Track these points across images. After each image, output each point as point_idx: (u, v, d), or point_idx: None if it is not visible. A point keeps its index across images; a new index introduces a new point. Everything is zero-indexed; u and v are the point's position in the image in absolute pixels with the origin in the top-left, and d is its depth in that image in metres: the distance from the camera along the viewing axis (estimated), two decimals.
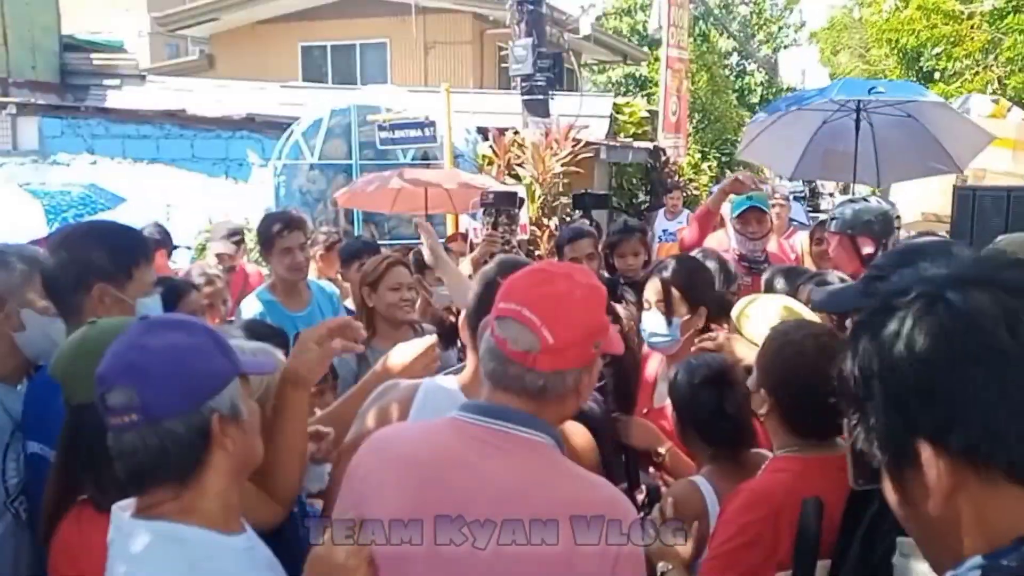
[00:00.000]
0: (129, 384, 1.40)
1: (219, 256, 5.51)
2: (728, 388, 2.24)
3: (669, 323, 2.71)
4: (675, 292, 2.72)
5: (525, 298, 1.48)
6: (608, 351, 1.61)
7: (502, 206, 5.59)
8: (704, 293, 2.81)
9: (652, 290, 2.78)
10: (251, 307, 4.07)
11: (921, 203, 7.73)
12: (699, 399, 2.26)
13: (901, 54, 21.56)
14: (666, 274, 2.77)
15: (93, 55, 13.95)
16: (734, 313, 2.76)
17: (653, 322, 2.75)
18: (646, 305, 2.79)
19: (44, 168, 10.09)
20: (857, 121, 5.48)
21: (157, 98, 11.91)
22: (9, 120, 10.48)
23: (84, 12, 20.18)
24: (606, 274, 4.26)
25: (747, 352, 2.47)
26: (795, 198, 11.61)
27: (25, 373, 2.33)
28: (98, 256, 2.20)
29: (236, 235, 5.80)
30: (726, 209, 4.86)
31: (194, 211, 9.31)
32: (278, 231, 4.00)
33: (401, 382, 2.15)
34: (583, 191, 10.18)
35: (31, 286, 2.29)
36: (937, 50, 17.89)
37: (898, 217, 3.98)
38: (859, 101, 5.44)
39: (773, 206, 5.63)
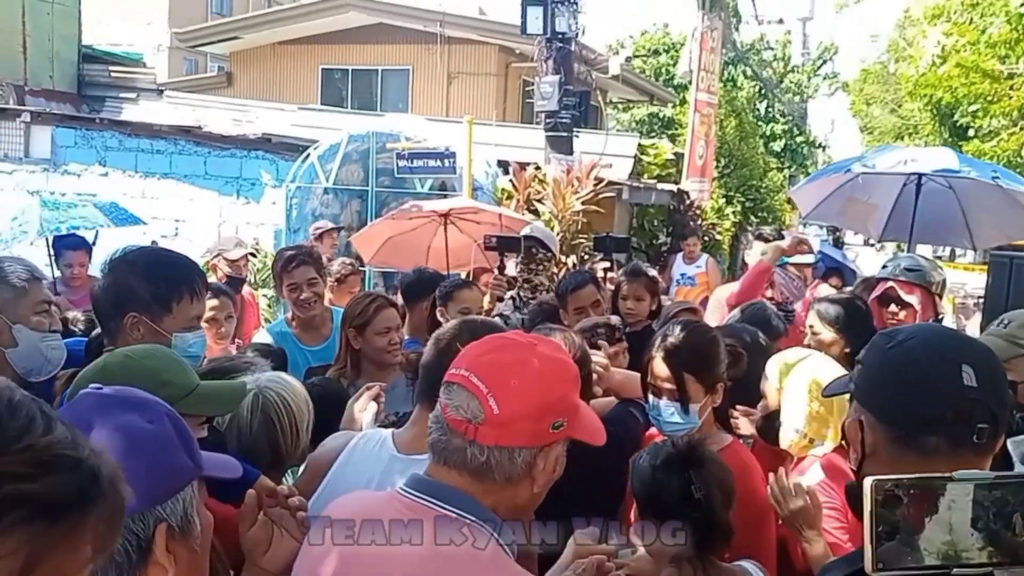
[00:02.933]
0: None
1: (232, 263, 5.57)
2: (697, 468, 1.97)
3: (686, 411, 2.43)
4: (688, 377, 2.43)
5: (475, 363, 1.40)
6: (577, 437, 1.46)
7: (506, 249, 5.65)
8: (719, 368, 2.52)
9: (662, 374, 2.46)
10: (264, 339, 4.06)
11: None
12: (661, 483, 1.98)
13: (935, 109, 21.71)
14: (676, 356, 2.45)
15: (111, 67, 14.26)
16: (775, 372, 2.67)
17: (667, 411, 2.45)
18: (654, 389, 2.49)
19: (55, 177, 10.25)
20: (919, 185, 5.41)
21: (173, 113, 12.12)
22: (22, 128, 10.67)
23: (105, 24, 20.62)
24: (615, 319, 4.01)
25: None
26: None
27: None
28: (139, 285, 2.23)
29: (244, 245, 5.90)
30: (752, 257, 4.94)
31: (204, 228, 9.43)
32: (285, 267, 4.00)
33: (346, 432, 2.17)
34: (605, 233, 10.25)
35: (26, 301, 2.30)
36: (974, 107, 17.97)
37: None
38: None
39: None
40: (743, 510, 2.06)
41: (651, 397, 2.49)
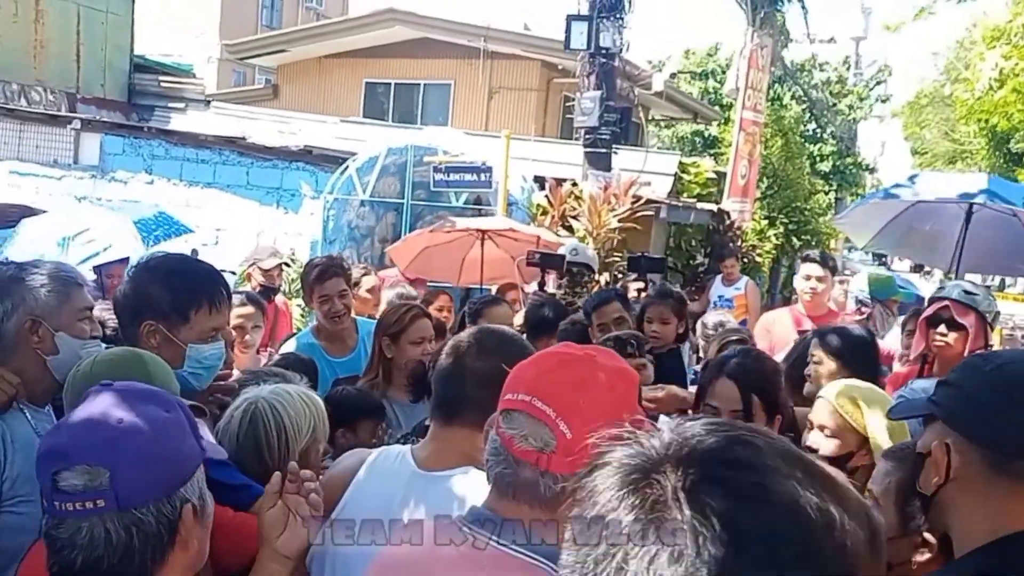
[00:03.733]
0: (100, 463, 1.23)
1: (266, 273, 5.73)
2: None
3: None
4: (756, 401, 2.35)
5: (536, 386, 1.30)
6: None
7: (547, 266, 5.75)
8: (781, 396, 2.48)
9: (729, 395, 2.36)
10: (292, 349, 4.08)
11: None
12: None
13: (991, 135, 21.36)
14: (745, 379, 2.38)
15: (162, 77, 14.69)
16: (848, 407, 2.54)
17: None
18: (714, 413, 2.35)
19: (102, 184, 10.61)
20: (969, 212, 5.38)
21: (219, 123, 12.46)
22: (73, 135, 11.08)
23: (157, 34, 21.23)
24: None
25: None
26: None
27: (52, 396, 2.31)
28: (157, 293, 2.24)
29: (279, 255, 6.04)
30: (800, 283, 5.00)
31: (244, 237, 9.69)
32: (316, 277, 4.06)
33: (360, 450, 2.14)
34: (640, 253, 10.30)
35: (68, 307, 2.27)
36: None
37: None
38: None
39: (841, 281, 5.64)
40: None
41: None
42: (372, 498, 1.86)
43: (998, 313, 3.99)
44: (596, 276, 5.72)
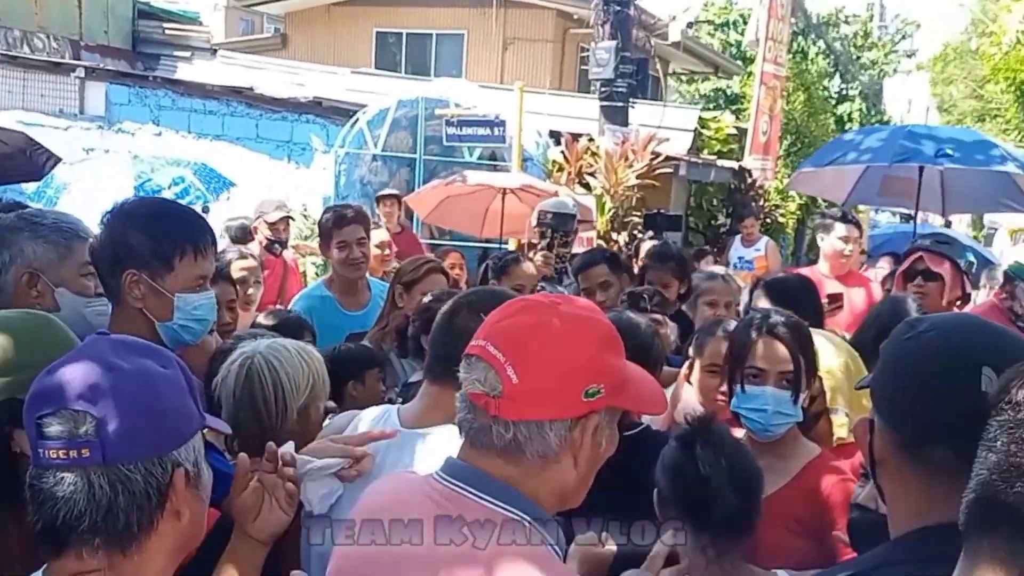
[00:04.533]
0: (88, 409, 1.16)
1: (272, 226, 5.68)
2: (706, 445, 1.83)
3: (795, 401, 2.20)
4: (803, 362, 2.24)
5: (492, 331, 1.30)
6: (622, 406, 1.36)
7: (560, 227, 5.67)
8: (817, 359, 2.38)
9: (779, 355, 2.23)
10: (304, 302, 4.10)
11: None
12: (670, 463, 1.86)
13: (1019, 92, 20.91)
14: (796, 337, 2.25)
15: (166, 24, 14.50)
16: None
17: (778, 399, 2.19)
18: (757, 375, 2.25)
19: (109, 135, 10.51)
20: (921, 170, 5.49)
21: (226, 73, 12.30)
22: (77, 84, 10.95)
23: None
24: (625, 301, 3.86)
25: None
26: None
27: None
28: (136, 240, 2.08)
29: (285, 208, 5.99)
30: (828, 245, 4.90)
31: (255, 192, 9.60)
32: (336, 223, 4.02)
33: (351, 412, 2.13)
34: (656, 210, 10.15)
35: (70, 262, 2.19)
36: None
37: None
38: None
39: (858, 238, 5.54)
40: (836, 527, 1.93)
41: (749, 387, 2.22)
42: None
43: (972, 263, 4.02)
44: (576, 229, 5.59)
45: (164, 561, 1.24)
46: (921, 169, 5.51)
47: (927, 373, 1.23)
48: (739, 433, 2.22)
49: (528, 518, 1.27)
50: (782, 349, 2.22)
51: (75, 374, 1.19)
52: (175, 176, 6.09)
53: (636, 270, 5.18)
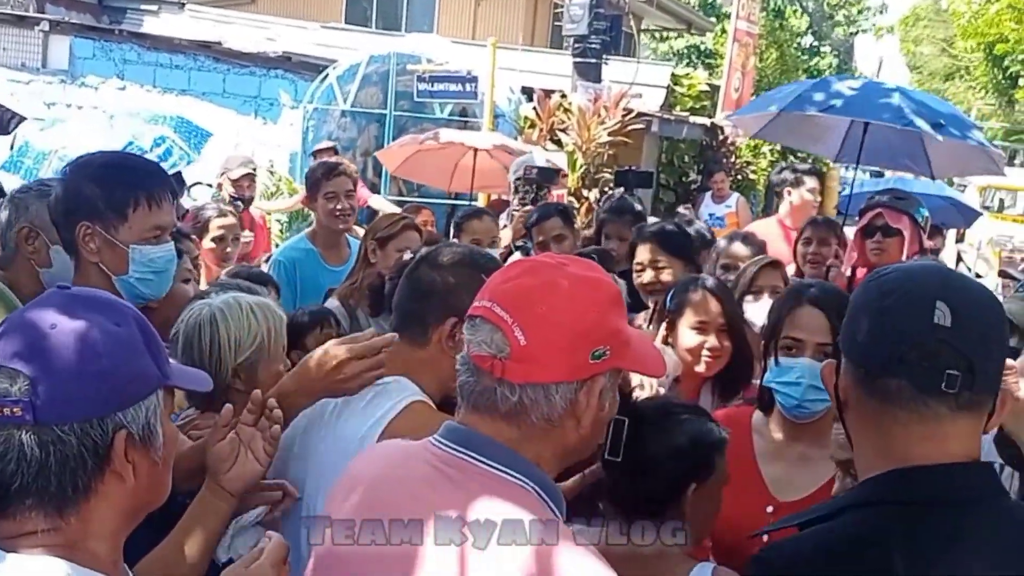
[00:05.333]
0: (22, 368, 1.13)
1: (235, 183, 5.65)
2: (645, 424, 1.72)
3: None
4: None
5: (497, 292, 1.27)
6: (627, 368, 1.36)
7: (545, 182, 5.72)
8: None
9: (814, 327, 2.08)
10: (288, 253, 4.14)
11: None
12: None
13: (988, 50, 21.03)
14: (835, 306, 2.02)
15: None
16: None
17: (812, 371, 2.00)
18: (794, 347, 2.10)
19: (72, 89, 10.32)
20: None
21: (194, 28, 12.07)
22: (40, 37, 10.71)
23: None
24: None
25: None
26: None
27: None
28: (89, 190, 2.05)
29: (250, 164, 5.96)
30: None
31: (221, 148, 9.49)
32: (325, 174, 4.06)
33: None
34: (628, 167, 10.16)
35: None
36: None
37: None
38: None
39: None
40: None
41: (784, 359, 2.09)
42: (309, 409, 1.85)
43: (927, 217, 4.05)
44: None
45: (116, 522, 1.21)
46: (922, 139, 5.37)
47: (884, 306, 1.26)
48: (770, 417, 2.15)
49: (531, 483, 1.25)
50: (821, 319, 2.07)
51: (15, 332, 1.17)
52: (156, 136, 5.97)
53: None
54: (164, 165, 5.55)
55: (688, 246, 3.49)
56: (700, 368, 2.65)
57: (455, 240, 4.11)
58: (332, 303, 3.53)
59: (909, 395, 1.23)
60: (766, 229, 5.28)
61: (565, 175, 8.04)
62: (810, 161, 8.86)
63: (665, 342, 2.74)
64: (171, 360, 1.33)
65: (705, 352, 2.62)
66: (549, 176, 5.72)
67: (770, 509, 2.05)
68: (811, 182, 5.51)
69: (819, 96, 5.27)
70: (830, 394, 1.37)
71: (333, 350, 1.75)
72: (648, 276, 3.27)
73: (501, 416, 1.25)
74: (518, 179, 5.82)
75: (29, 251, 2.25)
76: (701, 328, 2.63)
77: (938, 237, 7.98)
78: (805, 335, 2.08)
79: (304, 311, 3.21)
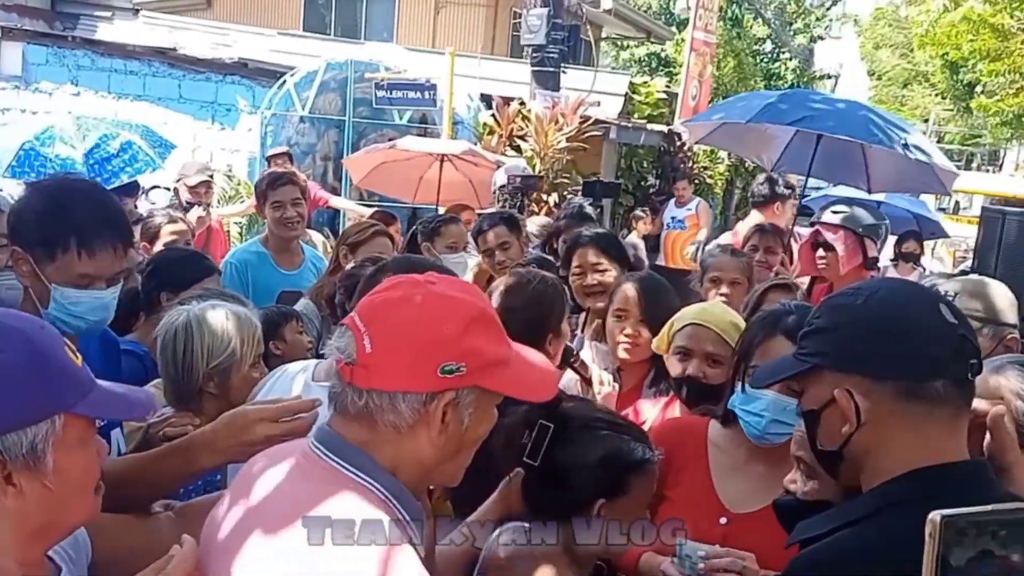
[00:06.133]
0: None
1: (192, 189, 5.72)
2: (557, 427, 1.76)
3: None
4: None
5: (362, 304, 1.37)
6: (489, 387, 1.35)
7: (531, 188, 5.96)
8: None
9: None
10: (240, 255, 4.23)
11: None
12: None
13: (945, 59, 21.57)
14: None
15: None
16: None
17: (777, 406, 1.98)
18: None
19: (26, 95, 10.27)
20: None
21: (149, 34, 12.06)
22: None
23: None
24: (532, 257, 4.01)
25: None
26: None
27: None
28: (28, 217, 2.03)
29: (207, 171, 6.03)
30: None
31: (178, 153, 9.51)
32: (270, 184, 4.17)
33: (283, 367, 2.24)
34: (594, 178, 10.35)
35: None
36: (980, 65, 17.86)
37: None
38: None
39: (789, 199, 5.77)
40: None
41: (751, 388, 2.02)
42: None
43: (886, 227, 4.17)
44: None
45: (18, 538, 1.24)
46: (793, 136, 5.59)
47: (906, 318, 1.35)
48: (732, 431, 2.11)
49: (377, 484, 1.30)
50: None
51: None
52: (124, 142, 5.99)
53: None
54: (129, 170, 5.64)
55: (624, 250, 3.62)
56: (621, 354, 2.81)
57: (426, 244, 4.22)
58: (303, 303, 3.66)
59: (952, 393, 1.33)
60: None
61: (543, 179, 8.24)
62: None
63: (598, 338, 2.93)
64: (102, 384, 1.34)
65: (622, 337, 2.80)
66: (532, 183, 5.93)
67: (723, 520, 2.04)
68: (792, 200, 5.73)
69: (760, 108, 5.38)
70: (850, 420, 1.36)
71: (245, 410, 1.74)
72: (589, 279, 3.37)
73: (352, 418, 1.32)
74: (502, 186, 6.05)
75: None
76: (620, 315, 2.83)
77: (911, 241, 8.20)
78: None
79: (274, 307, 3.39)
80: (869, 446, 1.35)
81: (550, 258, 4.13)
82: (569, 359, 2.58)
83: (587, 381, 2.65)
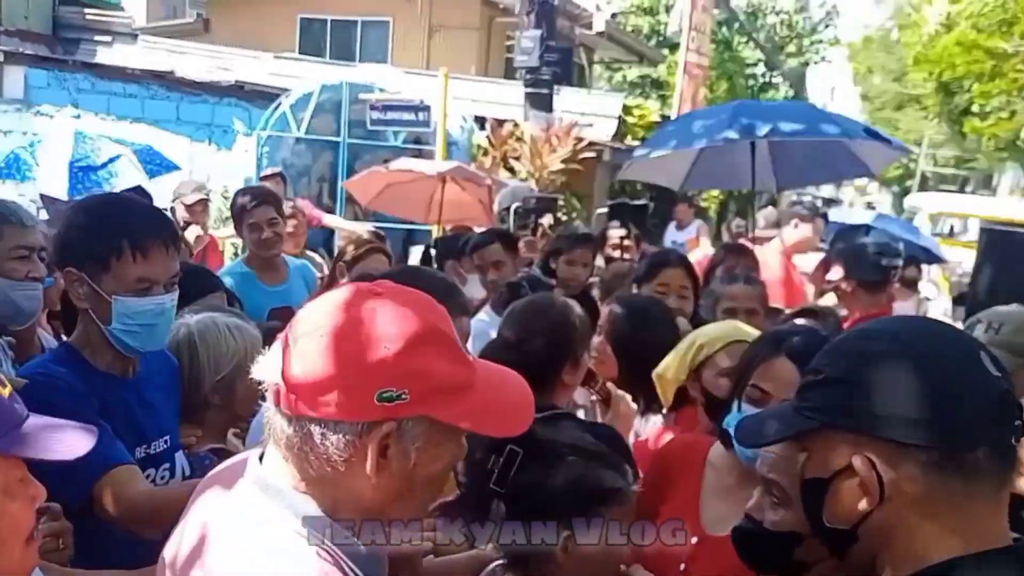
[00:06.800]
0: None
1: (189, 208, 5.85)
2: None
3: None
4: None
5: (297, 315, 1.17)
6: (442, 418, 1.11)
7: (545, 210, 6.10)
8: None
9: (784, 381, 1.84)
10: (226, 278, 4.15)
11: None
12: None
13: (938, 82, 21.82)
14: (810, 360, 1.75)
15: (87, 9, 14.35)
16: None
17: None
18: (759, 396, 1.90)
19: (27, 117, 10.48)
20: (753, 146, 5.59)
21: (148, 58, 12.30)
22: None
23: None
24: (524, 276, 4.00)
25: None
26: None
27: None
28: (76, 235, 1.98)
29: (203, 190, 6.15)
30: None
31: (175, 174, 9.70)
32: (245, 206, 4.19)
33: None
34: (622, 201, 10.52)
35: (0, 245, 2.26)
36: (975, 88, 18.07)
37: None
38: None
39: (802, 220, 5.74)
40: None
41: (747, 407, 1.89)
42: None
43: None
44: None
45: None
46: (753, 145, 5.56)
47: (941, 373, 1.10)
48: (729, 452, 2.00)
49: (289, 513, 1.13)
50: (796, 374, 1.77)
51: None
52: (112, 154, 6.11)
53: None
54: (114, 181, 5.77)
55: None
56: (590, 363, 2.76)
57: (452, 263, 4.37)
58: None
59: (994, 466, 1.08)
60: (763, 256, 5.34)
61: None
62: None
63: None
64: (37, 419, 1.21)
65: (592, 350, 2.81)
66: (548, 204, 6.08)
67: (694, 540, 1.95)
68: (819, 222, 5.84)
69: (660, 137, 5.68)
70: (871, 491, 1.11)
71: None
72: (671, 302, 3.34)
73: (284, 448, 1.13)
74: (505, 208, 6.18)
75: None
76: (599, 331, 2.89)
77: (911, 267, 8.35)
78: (773, 388, 1.88)
79: (271, 324, 3.46)
80: (891, 527, 1.11)
81: (544, 279, 4.09)
82: (591, 381, 2.52)
83: (606, 403, 2.53)
